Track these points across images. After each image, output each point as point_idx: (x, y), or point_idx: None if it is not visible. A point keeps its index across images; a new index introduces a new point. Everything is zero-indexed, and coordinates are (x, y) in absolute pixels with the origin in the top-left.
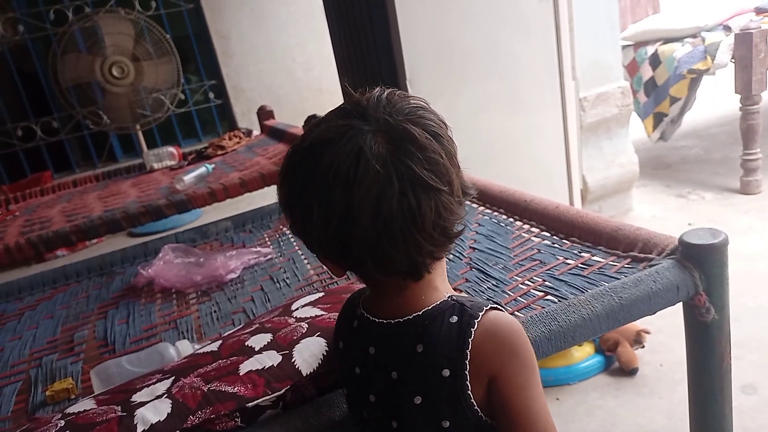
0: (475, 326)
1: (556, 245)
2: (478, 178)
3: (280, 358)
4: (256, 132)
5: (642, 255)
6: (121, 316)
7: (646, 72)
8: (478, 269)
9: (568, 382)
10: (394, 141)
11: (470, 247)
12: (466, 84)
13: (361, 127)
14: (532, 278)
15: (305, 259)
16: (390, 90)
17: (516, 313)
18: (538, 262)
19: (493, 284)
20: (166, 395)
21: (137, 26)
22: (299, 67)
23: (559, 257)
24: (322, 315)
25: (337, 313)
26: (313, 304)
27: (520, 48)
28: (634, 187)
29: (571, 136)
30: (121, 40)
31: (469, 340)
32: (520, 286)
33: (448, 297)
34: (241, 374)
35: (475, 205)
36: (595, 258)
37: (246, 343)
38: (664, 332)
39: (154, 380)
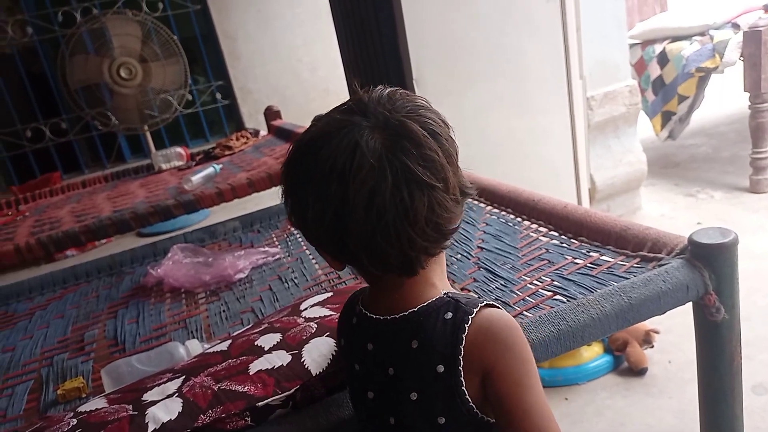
0: (469, 322)
1: (564, 245)
2: (485, 177)
3: (290, 357)
4: (263, 132)
5: (651, 254)
6: (131, 316)
7: (654, 70)
8: (486, 269)
9: (577, 382)
10: (391, 137)
11: (478, 247)
12: (472, 84)
13: (360, 122)
14: (540, 278)
15: (313, 259)
16: (393, 88)
17: (524, 312)
18: (546, 261)
19: (501, 284)
20: (177, 394)
21: (145, 27)
22: (305, 68)
23: (567, 257)
24: (330, 315)
25: None
26: (321, 304)
27: (527, 47)
28: (642, 186)
29: (579, 135)
30: (128, 41)
31: (463, 335)
32: (529, 285)
33: (445, 294)
34: (251, 374)
35: (482, 205)
36: (603, 258)
37: (255, 343)
38: (674, 332)
39: (165, 379)
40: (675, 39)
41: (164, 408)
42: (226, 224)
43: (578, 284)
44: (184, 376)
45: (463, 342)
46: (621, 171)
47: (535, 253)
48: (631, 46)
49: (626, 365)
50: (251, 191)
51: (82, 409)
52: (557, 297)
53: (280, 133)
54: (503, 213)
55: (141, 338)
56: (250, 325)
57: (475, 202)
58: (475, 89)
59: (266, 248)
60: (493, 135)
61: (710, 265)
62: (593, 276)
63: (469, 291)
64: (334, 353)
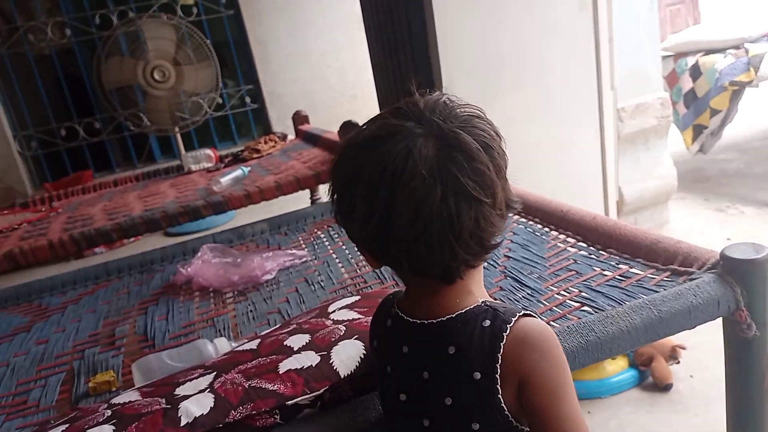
0: (508, 331)
1: (593, 256)
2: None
3: (318, 358)
4: (291, 136)
5: (682, 268)
6: (160, 313)
7: (686, 83)
8: (512, 278)
9: (600, 396)
10: (443, 147)
11: (505, 256)
12: (502, 92)
13: (414, 129)
14: (567, 288)
15: (339, 263)
16: (447, 95)
17: (551, 323)
18: (574, 272)
19: (527, 293)
20: (208, 390)
21: (179, 31)
22: (334, 74)
23: (596, 268)
24: (359, 318)
25: None
26: (350, 307)
27: (558, 57)
28: (671, 199)
29: (608, 146)
30: (163, 44)
31: (501, 344)
32: (556, 296)
33: (482, 302)
34: (280, 372)
35: (510, 214)
36: (633, 270)
37: (285, 343)
38: (700, 348)
39: (197, 375)
40: (708, 52)
41: (197, 403)
42: (254, 226)
43: (607, 296)
44: (215, 373)
45: (501, 350)
46: (650, 184)
47: (562, 264)
48: (663, 58)
49: (651, 380)
50: (278, 194)
51: (116, 401)
52: (585, 308)
53: (308, 138)
54: (531, 222)
55: (170, 335)
56: (278, 326)
57: None
58: (504, 98)
59: (293, 251)
60: (521, 144)
61: (742, 281)
62: (622, 288)
63: (496, 299)
64: (362, 356)
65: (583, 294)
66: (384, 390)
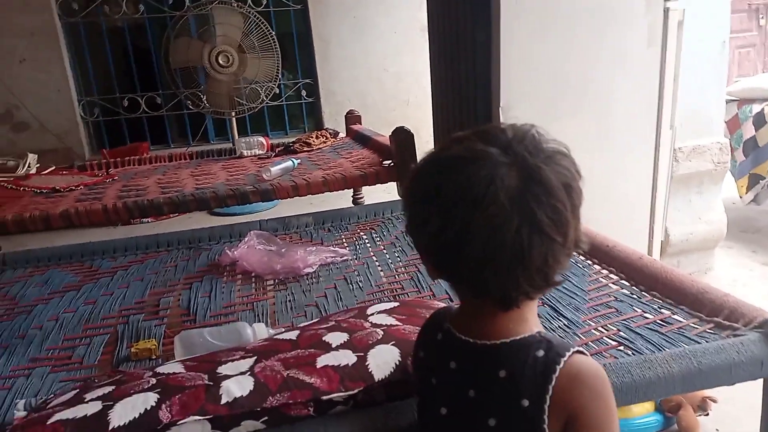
0: (561, 364)
1: (635, 296)
2: None
3: (355, 358)
4: (342, 134)
5: (727, 322)
6: (204, 290)
7: (748, 131)
8: (550, 306)
9: None
10: (525, 180)
11: None
12: (560, 116)
13: (499, 157)
14: (606, 325)
15: (379, 266)
16: (536, 127)
17: None
18: (614, 310)
19: (564, 323)
20: (249, 373)
21: (247, 20)
22: (390, 77)
23: (637, 309)
24: (397, 325)
25: (411, 326)
26: (388, 312)
27: (621, 89)
28: (718, 247)
29: (660, 185)
30: (230, 31)
31: (554, 376)
32: (593, 331)
33: (537, 332)
34: (317, 367)
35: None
36: (675, 317)
37: (323, 338)
38: (734, 403)
39: (238, 357)
40: None
41: (237, 384)
42: (300, 218)
43: (645, 339)
44: (255, 357)
45: (553, 382)
46: (699, 228)
47: (602, 299)
48: (727, 102)
49: (675, 428)
50: (324, 190)
51: (160, 370)
52: (621, 348)
53: (359, 138)
54: (573, 253)
55: (211, 313)
56: (316, 320)
57: None
58: (562, 122)
59: (336, 248)
60: None
61: None
62: (662, 333)
63: None
64: (398, 363)
65: (621, 333)
66: (425, 401)
